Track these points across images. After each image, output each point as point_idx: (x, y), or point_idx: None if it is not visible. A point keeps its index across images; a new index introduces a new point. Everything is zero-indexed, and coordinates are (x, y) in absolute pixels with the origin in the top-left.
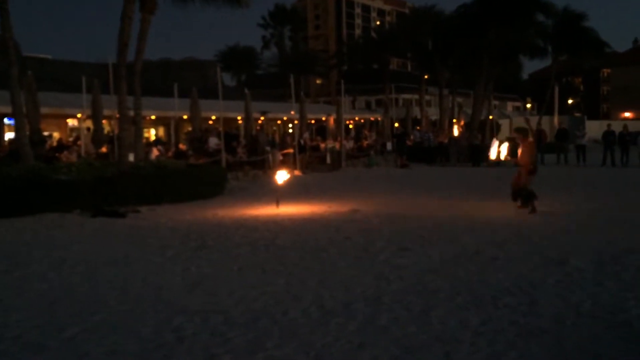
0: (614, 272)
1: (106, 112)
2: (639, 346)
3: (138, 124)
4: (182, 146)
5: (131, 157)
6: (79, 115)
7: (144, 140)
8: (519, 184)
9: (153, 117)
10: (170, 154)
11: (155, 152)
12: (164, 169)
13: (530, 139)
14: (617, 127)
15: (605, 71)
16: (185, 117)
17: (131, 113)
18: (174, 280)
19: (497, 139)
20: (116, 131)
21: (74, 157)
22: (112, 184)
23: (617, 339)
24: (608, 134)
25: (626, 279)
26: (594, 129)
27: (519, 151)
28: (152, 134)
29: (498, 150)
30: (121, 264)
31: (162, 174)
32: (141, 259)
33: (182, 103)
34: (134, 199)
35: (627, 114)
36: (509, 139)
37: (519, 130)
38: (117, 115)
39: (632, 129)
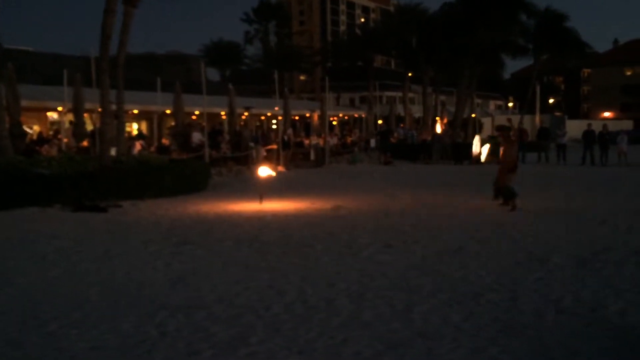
0: (594, 269)
1: (88, 105)
2: (617, 342)
3: (120, 118)
4: (165, 141)
5: (113, 152)
6: (60, 109)
7: (126, 135)
8: (501, 182)
9: (136, 111)
10: (152, 148)
11: (137, 147)
12: (147, 164)
13: (512, 137)
14: (597, 126)
15: (586, 71)
16: (168, 111)
17: (113, 107)
18: (156, 275)
19: (478, 136)
20: (98, 125)
21: (54, 151)
22: (93, 179)
23: (597, 334)
24: (588, 134)
25: (606, 275)
26: (574, 128)
27: (501, 150)
28: (134, 128)
29: (479, 151)
30: (102, 259)
31: (145, 169)
32: (123, 254)
33: (165, 97)
34: (116, 193)
35: (606, 114)
36: (490, 137)
37: (501, 128)
38: (99, 109)
39: (612, 129)
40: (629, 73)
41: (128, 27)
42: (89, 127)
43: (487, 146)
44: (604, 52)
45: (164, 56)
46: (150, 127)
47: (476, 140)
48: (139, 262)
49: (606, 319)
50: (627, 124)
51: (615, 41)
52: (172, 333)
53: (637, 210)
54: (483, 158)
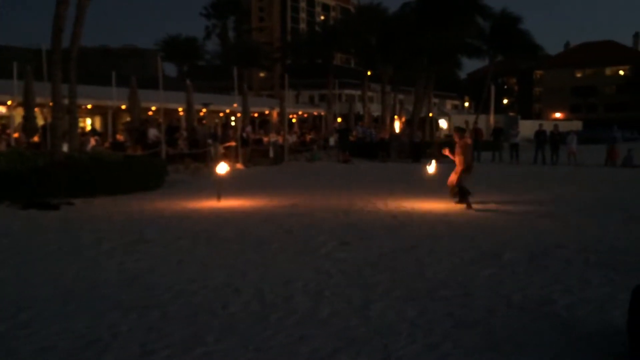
0: (543, 265)
1: (39, 99)
2: (565, 336)
3: (73, 112)
4: (119, 137)
5: (65, 148)
6: (9, 103)
7: (80, 130)
8: (456, 181)
9: (89, 106)
10: (107, 144)
11: (92, 143)
12: (100, 160)
13: (467, 139)
14: (548, 127)
15: (538, 73)
16: (123, 107)
17: (65, 101)
18: (109, 274)
19: (435, 161)
20: (49, 120)
21: (3, 146)
22: (44, 175)
23: (545, 329)
24: (539, 134)
25: (554, 271)
26: (527, 128)
27: (456, 150)
28: (87, 123)
29: (434, 172)
30: (53, 257)
31: (98, 165)
32: (74, 253)
33: (120, 92)
34: (68, 190)
35: (557, 114)
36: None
37: (457, 129)
38: (51, 104)
39: (562, 129)
40: (579, 75)
41: (82, 20)
42: (40, 122)
43: (433, 165)
44: (555, 54)
45: (120, 50)
46: (104, 123)
47: (432, 164)
48: (91, 260)
49: (554, 313)
50: (577, 125)
51: (567, 44)
52: (125, 333)
53: (586, 208)
54: (432, 170)
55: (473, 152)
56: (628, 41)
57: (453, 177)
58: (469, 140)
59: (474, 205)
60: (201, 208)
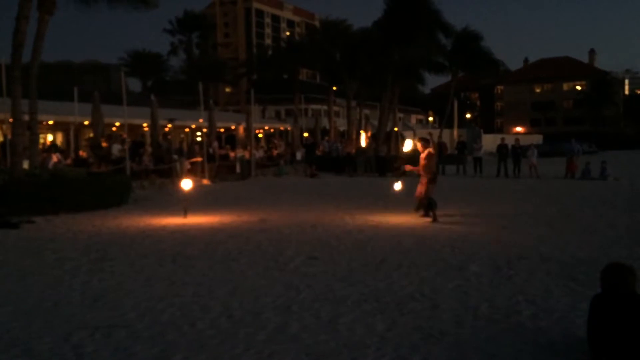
0: (507, 277)
1: None
2: (530, 345)
3: (33, 128)
4: (82, 153)
5: (25, 165)
6: None
7: (41, 146)
8: (423, 194)
9: (51, 122)
10: (69, 161)
11: (54, 159)
12: (62, 177)
13: (431, 149)
14: (510, 140)
15: (499, 88)
16: (86, 122)
17: (26, 117)
18: (72, 294)
19: (401, 182)
20: (9, 136)
21: None
22: (3, 193)
23: (512, 339)
24: (502, 147)
25: (518, 282)
26: (490, 142)
27: (421, 161)
28: (49, 139)
29: (400, 189)
30: (14, 277)
31: (60, 182)
32: (36, 272)
33: (83, 108)
34: (28, 208)
35: (518, 129)
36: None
37: (421, 139)
38: (10, 120)
39: (523, 143)
40: (537, 90)
41: (43, 35)
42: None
43: (399, 183)
44: (515, 70)
45: (82, 65)
46: (66, 139)
47: (399, 182)
48: (54, 280)
49: (520, 324)
50: (538, 138)
51: (526, 60)
52: (91, 354)
53: (547, 220)
54: (398, 188)
55: (437, 163)
56: (584, 57)
57: (420, 189)
58: (432, 150)
59: (439, 218)
60: (167, 225)
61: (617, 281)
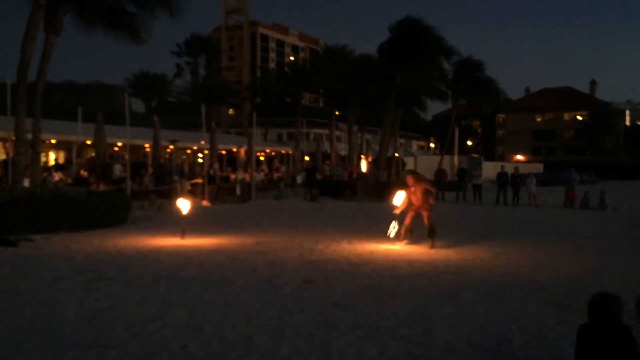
0: (500, 304)
1: (1, 133)
2: None
3: (36, 147)
4: (83, 172)
5: (26, 183)
6: None
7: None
8: (427, 221)
9: (53, 140)
10: (69, 180)
11: (56, 178)
12: (62, 196)
13: (425, 183)
14: (509, 168)
15: (501, 116)
16: (89, 142)
17: (29, 136)
18: (67, 312)
19: (396, 222)
20: (11, 154)
21: None
22: (3, 210)
23: None
24: (501, 175)
25: (511, 310)
26: (490, 169)
27: (414, 197)
28: (51, 158)
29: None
30: (9, 295)
31: (59, 200)
32: (32, 291)
33: (86, 127)
34: (27, 227)
35: (519, 157)
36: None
37: (411, 173)
38: (13, 138)
39: (523, 171)
40: (538, 119)
41: (49, 55)
42: (2, 156)
43: (395, 224)
44: (517, 99)
45: (86, 85)
46: (68, 158)
47: (393, 224)
48: (50, 298)
49: (511, 352)
50: (538, 167)
51: (527, 89)
52: None
53: (543, 248)
54: (392, 235)
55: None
56: (585, 87)
57: (425, 218)
58: (427, 185)
59: (436, 244)
60: (164, 245)
61: (603, 311)
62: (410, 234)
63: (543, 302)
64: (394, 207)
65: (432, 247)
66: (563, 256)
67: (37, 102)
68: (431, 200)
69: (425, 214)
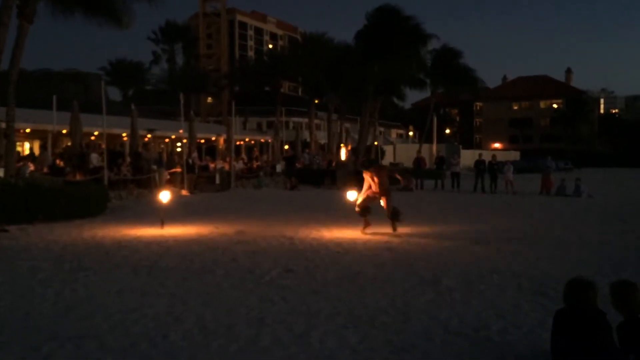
0: (479, 291)
1: None
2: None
3: (10, 137)
4: (59, 162)
5: (1, 173)
6: None
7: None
8: (388, 207)
9: (28, 130)
10: (45, 169)
11: (31, 167)
12: (37, 186)
13: (381, 169)
14: (487, 156)
15: (478, 104)
16: (64, 131)
17: (2, 125)
18: (44, 304)
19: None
20: None
21: None
22: None
23: (480, 353)
24: (479, 163)
25: (489, 297)
26: (468, 157)
27: (374, 181)
28: (26, 147)
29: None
30: None
31: (35, 191)
32: (8, 282)
33: (61, 116)
34: (3, 217)
35: (496, 145)
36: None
37: (371, 162)
38: None
39: (500, 159)
40: (515, 108)
41: (22, 43)
42: None
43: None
44: (494, 87)
45: (61, 73)
46: (44, 147)
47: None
48: (26, 290)
49: (488, 338)
50: (515, 155)
51: (504, 78)
52: None
53: (520, 236)
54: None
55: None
56: (561, 76)
57: (384, 204)
58: (383, 171)
59: (415, 233)
60: (143, 235)
61: (579, 296)
62: (367, 212)
63: (521, 289)
64: (354, 206)
65: (395, 230)
66: (540, 243)
67: (11, 91)
68: (386, 185)
69: (384, 200)
